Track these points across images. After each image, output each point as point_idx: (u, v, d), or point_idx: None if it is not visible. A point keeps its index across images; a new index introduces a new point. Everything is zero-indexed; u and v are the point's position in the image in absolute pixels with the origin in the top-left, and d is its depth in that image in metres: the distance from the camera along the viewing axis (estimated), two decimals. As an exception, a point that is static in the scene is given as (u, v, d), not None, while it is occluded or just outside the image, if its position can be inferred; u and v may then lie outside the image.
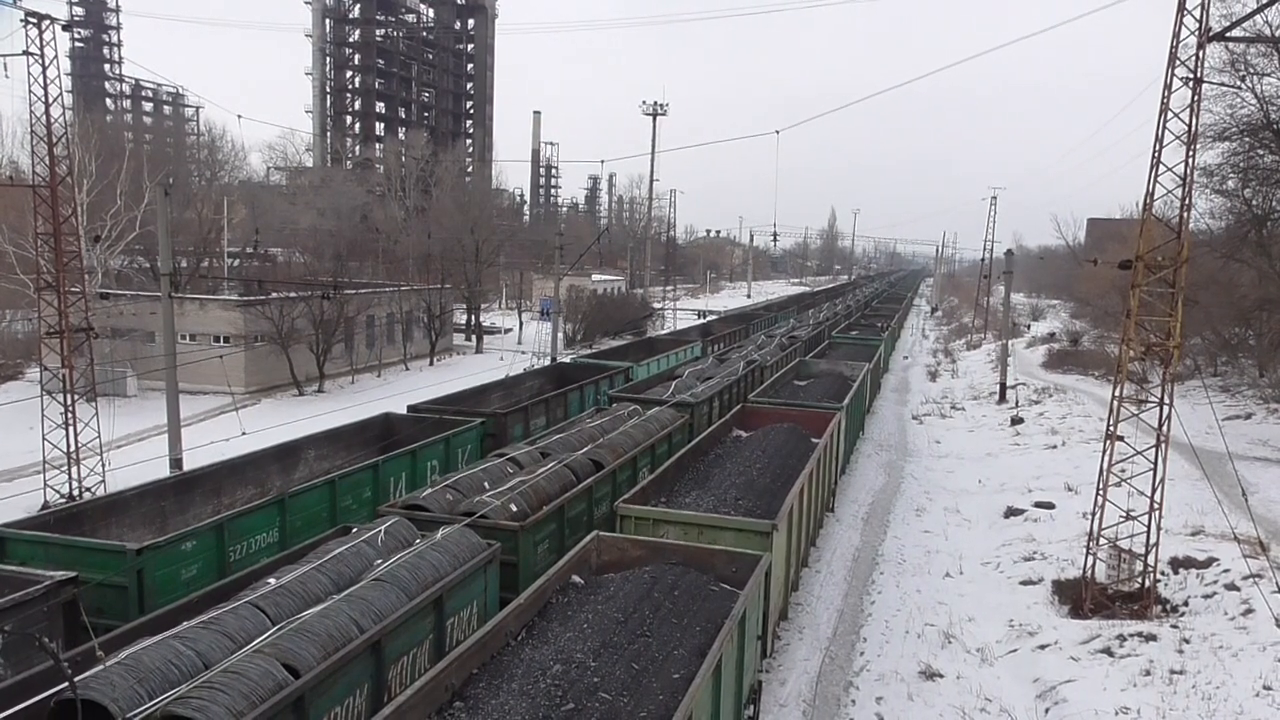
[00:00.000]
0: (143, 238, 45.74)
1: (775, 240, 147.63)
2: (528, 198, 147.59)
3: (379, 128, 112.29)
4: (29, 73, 24.28)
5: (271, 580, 10.41)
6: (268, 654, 8.68)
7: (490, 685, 8.85)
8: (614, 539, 12.70)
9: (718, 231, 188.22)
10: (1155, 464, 16.23)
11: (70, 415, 24.11)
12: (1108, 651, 14.70)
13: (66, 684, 7.29)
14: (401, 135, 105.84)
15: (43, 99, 24.33)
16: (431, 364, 53.09)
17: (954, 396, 44.42)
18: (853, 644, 15.75)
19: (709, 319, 65.32)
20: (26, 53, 24.12)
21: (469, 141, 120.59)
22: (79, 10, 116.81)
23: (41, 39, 24.14)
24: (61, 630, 10.22)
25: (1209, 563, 17.55)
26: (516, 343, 59.26)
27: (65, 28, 26.89)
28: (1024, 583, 18.51)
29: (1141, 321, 17.02)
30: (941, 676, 14.50)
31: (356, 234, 77.25)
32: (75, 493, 23.88)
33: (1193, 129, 15.81)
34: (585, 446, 17.94)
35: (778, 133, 43.59)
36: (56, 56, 24.77)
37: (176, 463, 21.54)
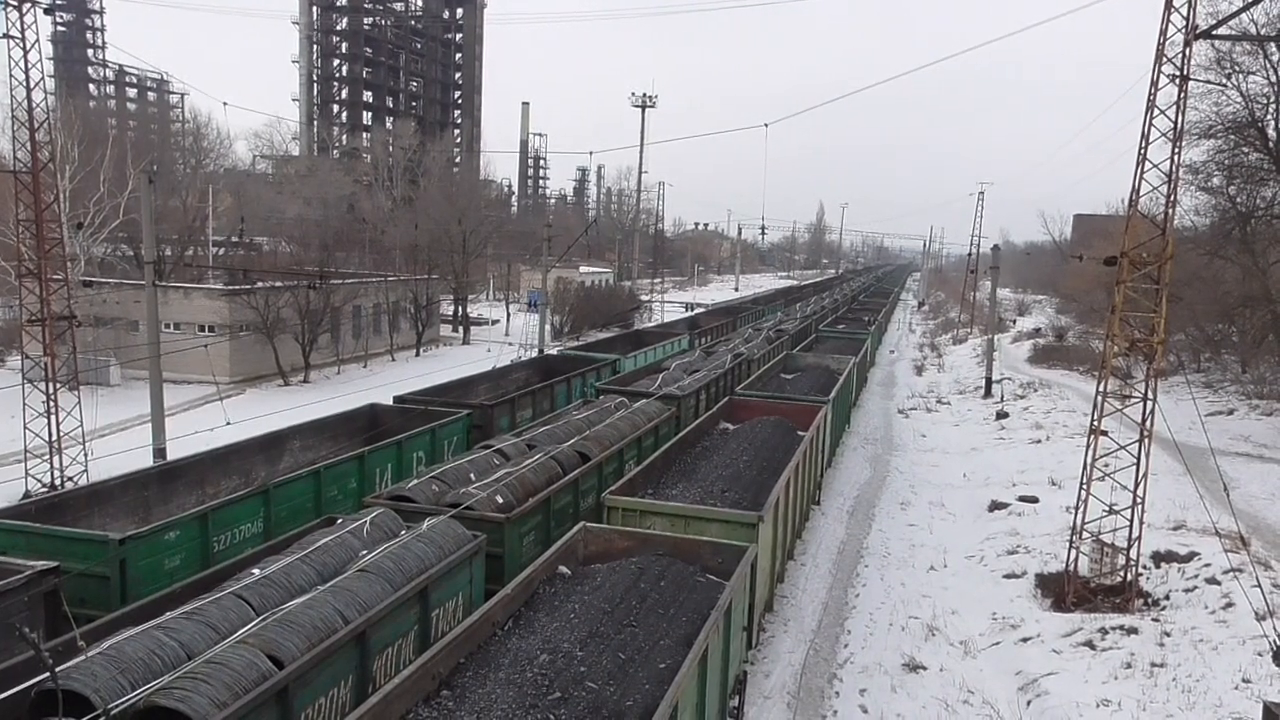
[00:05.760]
0: (126, 225, 45.33)
1: (763, 234, 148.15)
2: (516, 189, 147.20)
3: (366, 117, 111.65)
4: (10, 56, 23.99)
5: (255, 571, 10.36)
6: (251, 645, 8.63)
7: (477, 675, 8.85)
8: (601, 530, 12.70)
9: (706, 224, 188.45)
10: (1138, 459, 16.35)
11: (52, 404, 23.89)
12: (1089, 644, 14.83)
13: (47, 674, 7.23)
14: (389, 125, 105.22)
15: (24, 83, 24.03)
16: (418, 355, 52.90)
17: (940, 391, 44.63)
18: (837, 636, 15.82)
19: (696, 312, 65.23)
20: (7, 36, 23.80)
21: (457, 131, 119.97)
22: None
23: (22, 21, 23.82)
24: (43, 620, 10.14)
25: (1190, 557, 17.72)
26: (504, 334, 59.11)
27: (47, 11, 26.61)
28: (1007, 576, 18.64)
29: (1126, 317, 17.13)
30: (925, 669, 14.59)
31: (343, 224, 76.81)
32: (57, 482, 23.68)
33: (1178, 126, 15.90)
34: (572, 439, 17.91)
35: (766, 126, 43.60)
36: (38, 40, 24.46)
37: (160, 452, 21.38)
